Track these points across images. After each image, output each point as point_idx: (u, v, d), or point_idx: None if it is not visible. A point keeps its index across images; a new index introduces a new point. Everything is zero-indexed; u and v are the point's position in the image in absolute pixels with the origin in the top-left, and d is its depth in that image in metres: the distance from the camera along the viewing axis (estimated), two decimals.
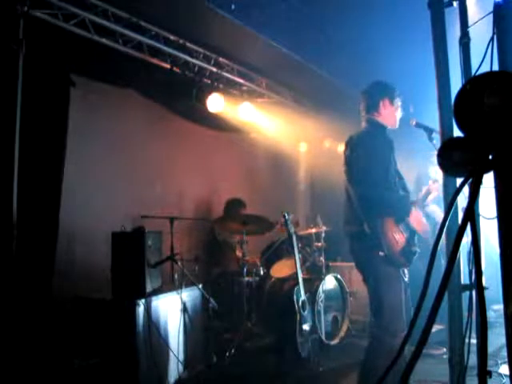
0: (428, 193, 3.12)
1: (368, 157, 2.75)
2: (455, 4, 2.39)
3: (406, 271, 2.85)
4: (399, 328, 2.66)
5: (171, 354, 3.42)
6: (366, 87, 3.06)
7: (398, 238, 2.72)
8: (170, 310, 3.49)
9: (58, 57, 3.68)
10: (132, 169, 4.54)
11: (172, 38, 4.48)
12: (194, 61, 4.76)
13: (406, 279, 2.83)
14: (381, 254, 2.67)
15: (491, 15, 2.06)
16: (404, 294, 2.78)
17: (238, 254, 4.66)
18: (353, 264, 3.03)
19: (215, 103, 4.98)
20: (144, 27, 4.22)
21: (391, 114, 2.97)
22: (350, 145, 2.91)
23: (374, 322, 2.77)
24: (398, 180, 2.98)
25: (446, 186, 2.33)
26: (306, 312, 4.22)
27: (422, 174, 4.42)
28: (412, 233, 2.83)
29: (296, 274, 4.32)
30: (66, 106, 3.76)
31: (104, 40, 3.94)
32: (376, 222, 2.68)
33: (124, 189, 4.42)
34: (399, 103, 3.01)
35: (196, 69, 4.86)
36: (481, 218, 2.21)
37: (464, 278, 2.27)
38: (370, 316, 2.86)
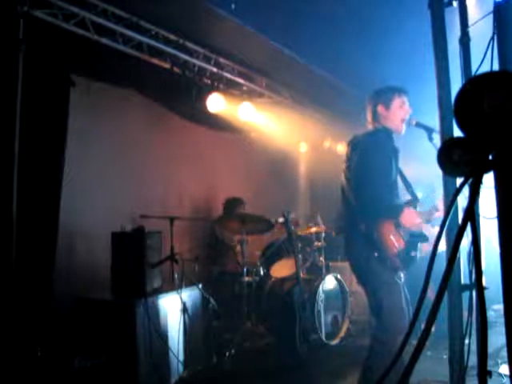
0: (435, 209, 3.04)
1: (369, 157, 2.74)
2: (455, 4, 2.39)
3: (401, 274, 2.81)
4: (401, 329, 2.63)
5: (171, 353, 3.42)
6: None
7: (397, 241, 2.69)
8: (170, 309, 3.49)
9: (58, 57, 3.67)
10: (132, 168, 4.55)
11: (172, 37, 4.48)
12: (194, 61, 4.76)
13: (401, 282, 2.78)
14: (375, 254, 2.66)
15: (491, 15, 2.06)
16: (403, 296, 2.77)
17: (238, 253, 4.66)
18: None
19: (215, 103, 4.98)
20: (144, 27, 4.22)
21: (390, 118, 2.91)
22: (353, 144, 2.90)
23: (376, 323, 2.76)
24: (407, 187, 2.98)
25: (446, 185, 2.33)
26: (306, 312, 4.22)
27: None
28: (414, 238, 2.79)
29: (296, 273, 4.32)
30: (66, 106, 3.75)
31: (104, 40, 3.94)
32: (373, 222, 2.67)
33: (124, 188, 4.42)
34: (400, 102, 2.91)
35: (196, 69, 4.86)
36: (481, 217, 2.21)
37: (464, 278, 2.27)
38: (371, 317, 2.85)
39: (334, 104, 6.44)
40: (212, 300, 4.00)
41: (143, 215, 3.86)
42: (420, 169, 4.48)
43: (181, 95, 4.85)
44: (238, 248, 4.68)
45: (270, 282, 4.59)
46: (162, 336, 3.35)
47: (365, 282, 2.84)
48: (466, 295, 2.19)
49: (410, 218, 2.73)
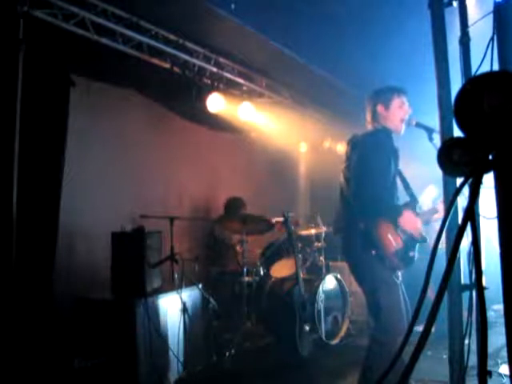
0: (434, 211, 3.05)
1: (368, 156, 2.74)
2: (455, 4, 2.39)
3: (399, 274, 2.81)
4: (401, 330, 2.62)
5: (171, 353, 3.42)
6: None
7: (395, 240, 2.68)
8: (170, 309, 3.49)
9: (57, 57, 3.67)
10: (132, 168, 4.55)
11: (172, 37, 4.48)
12: (194, 61, 4.76)
13: (399, 281, 2.79)
14: (373, 252, 2.66)
15: (491, 15, 2.06)
16: (402, 296, 2.77)
17: (238, 253, 4.66)
18: None
19: (215, 103, 4.98)
20: (144, 27, 4.22)
21: (390, 118, 2.91)
22: (352, 143, 2.89)
23: (374, 324, 2.75)
24: (406, 188, 2.98)
25: (446, 185, 2.33)
26: (306, 312, 4.22)
27: None
28: (413, 238, 2.78)
29: (296, 273, 4.32)
30: (66, 106, 3.75)
31: (104, 40, 3.94)
32: (372, 221, 2.66)
33: (124, 188, 4.42)
34: (400, 103, 2.90)
35: (196, 69, 4.86)
36: (481, 217, 2.21)
37: (464, 278, 2.27)
38: (369, 317, 2.84)
39: (334, 104, 6.44)
40: (212, 300, 4.00)
41: (143, 215, 3.86)
42: (420, 169, 4.48)
43: (181, 95, 4.85)
44: (238, 248, 4.68)
45: (270, 281, 4.59)
46: (162, 336, 3.35)
47: (363, 281, 2.84)
48: (466, 295, 2.19)
49: (410, 222, 2.73)
